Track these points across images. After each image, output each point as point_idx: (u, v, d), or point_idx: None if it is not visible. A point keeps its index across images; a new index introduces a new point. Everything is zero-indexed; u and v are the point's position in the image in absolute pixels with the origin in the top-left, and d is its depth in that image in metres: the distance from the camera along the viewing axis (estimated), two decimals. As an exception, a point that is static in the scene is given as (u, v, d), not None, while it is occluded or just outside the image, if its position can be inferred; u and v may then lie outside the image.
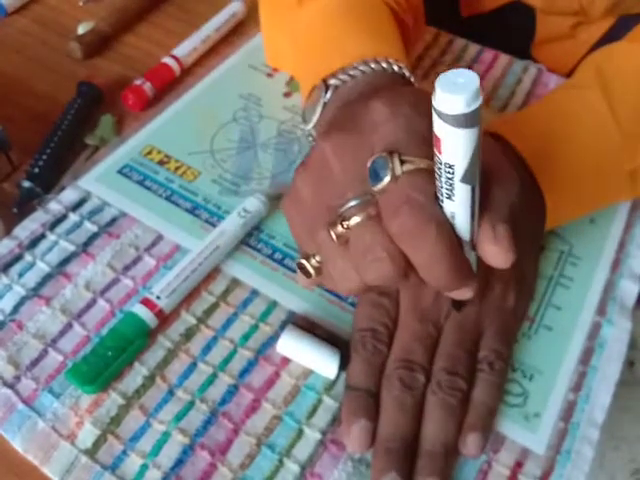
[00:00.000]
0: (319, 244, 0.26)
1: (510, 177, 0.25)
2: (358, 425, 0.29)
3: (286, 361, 0.32)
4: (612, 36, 0.48)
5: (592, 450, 0.30)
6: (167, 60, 0.46)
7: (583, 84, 0.38)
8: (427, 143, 0.23)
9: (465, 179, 0.21)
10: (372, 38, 0.36)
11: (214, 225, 0.36)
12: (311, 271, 0.27)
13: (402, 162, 0.23)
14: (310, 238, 0.26)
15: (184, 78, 0.46)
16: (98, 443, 0.29)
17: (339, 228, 0.24)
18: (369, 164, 0.24)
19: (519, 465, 0.30)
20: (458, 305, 0.31)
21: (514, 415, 0.31)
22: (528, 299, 0.35)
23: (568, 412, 0.31)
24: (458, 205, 0.22)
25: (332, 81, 0.34)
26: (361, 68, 0.33)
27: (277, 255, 0.36)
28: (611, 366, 0.33)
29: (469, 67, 0.48)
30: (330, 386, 0.31)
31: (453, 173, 0.21)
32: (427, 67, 0.48)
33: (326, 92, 0.34)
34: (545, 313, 0.35)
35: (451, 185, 0.21)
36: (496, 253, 0.23)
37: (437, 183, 0.22)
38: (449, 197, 0.22)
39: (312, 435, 0.30)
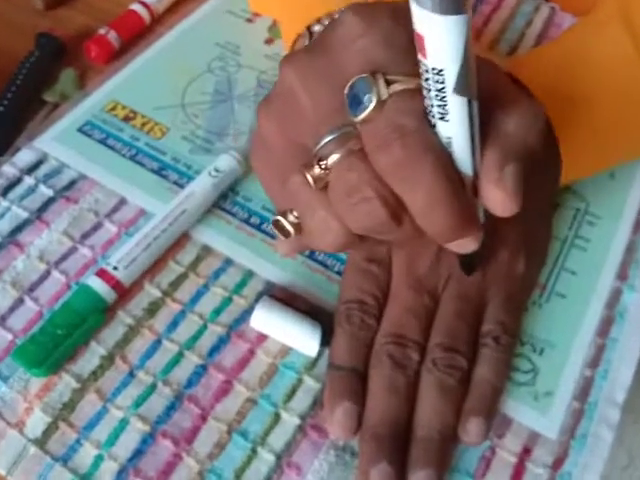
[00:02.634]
0: (293, 192, 0.21)
1: (531, 110, 0.21)
2: (342, 408, 0.25)
3: (262, 338, 0.28)
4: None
5: (612, 433, 0.27)
6: (135, 7, 0.41)
7: (604, 20, 0.33)
8: (412, 58, 0.19)
9: (459, 88, 0.17)
10: None
11: (184, 187, 0.32)
12: (289, 229, 0.23)
13: (387, 83, 0.19)
14: (283, 187, 0.22)
15: (155, 27, 0.42)
16: (49, 432, 0.26)
17: (316, 170, 0.20)
18: (347, 89, 0.19)
19: (527, 451, 0.26)
20: (468, 266, 0.27)
21: (522, 394, 0.27)
22: (539, 264, 0.31)
23: (584, 390, 0.28)
24: (454, 126, 0.18)
25: (317, 27, 0.29)
26: None
27: (254, 219, 0.32)
28: (633, 337, 0.29)
29: (473, 7, 0.43)
30: (311, 365, 0.28)
31: (444, 82, 0.17)
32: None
33: (310, 40, 0.30)
34: (558, 279, 0.31)
35: (443, 99, 0.17)
36: (497, 198, 0.19)
37: (427, 102, 0.18)
38: (442, 117, 0.18)
39: (290, 420, 0.26)
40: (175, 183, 0.33)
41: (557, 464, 0.26)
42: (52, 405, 0.26)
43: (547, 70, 0.32)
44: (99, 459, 0.25)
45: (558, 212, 0.33)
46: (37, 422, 0.26)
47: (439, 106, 0.18)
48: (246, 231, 0.32)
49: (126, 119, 0.36)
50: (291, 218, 0.22)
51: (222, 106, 0.36)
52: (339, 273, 0.30)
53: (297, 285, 0.30)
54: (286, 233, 0.23)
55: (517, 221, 0.29)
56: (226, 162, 0.32)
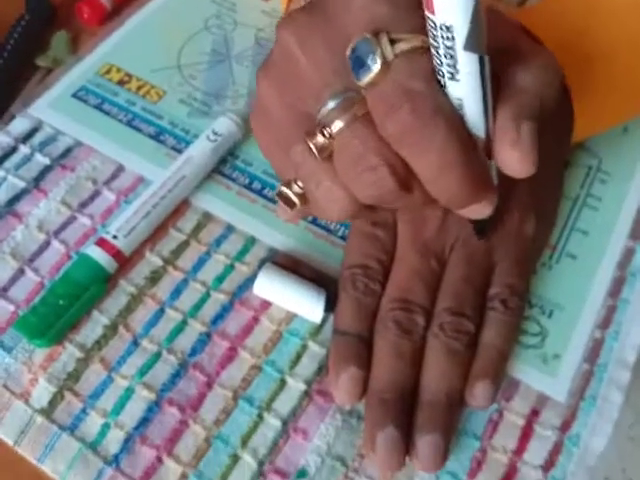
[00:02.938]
0: (297, 162, 0.21)
1: (549, 63, 0.20)
2: (347, 374, 0.25)
3: (266, 305, 0.28)
4: None
5: (622, 395, 0.26)
6: (127, -36, 0.39)
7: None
8: (416, 15, 0.17)
9: (469, 45, 0.16)
10: None
11: (182, 152, 0.32)
12: (294, 199, 0.22)
13: (392, 42, 0.18)
14: (286, 157, 0.21)
15: (148, -15, 0.40)
16: (54, 401, 0.26)
17: (319, 138, 0.19)
18: (349, 51, 0.18)
19: (535, 414, 0.26)
20: (481, 230, 0.26)
21: (530, 357, 0.27)
22: (549, 225, 0.30)
23: (594, 352, 0.27)
24: (465, 86, 0.17)
25: None
26: None
27: (255, 185, 0.31)
28: (645, 298, 0.29)
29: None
30: (316, 331, 0.27)
31: (453, 39, 0.16)
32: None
33: None
34: (569, 239, 0.30)
35: (452, 57, 0.16)
36: (513, 159, 0.18)
37: (435, 61, 0.17)
38: (452, 77, 0.17)
39: (296, 386, 0.26)
40: (173, 148, 0.32)
41: (565, 426, 0.25)
42: (57, 375, 0.26)
43: (559, 21, 0.30)
44: (106, 427, 0.25)
45: (570, 170, 0.32)
46: (42, 392, 0.26)
47: (449, 65, 0.17)
48: (247, 197, 0.31)
49: (121, 83, 0.35)
50: (296, 188, 0.22)
51: (220, 66, 0.35)
52: (343, 238, 0.30)
53: (300, 251, 0.29)
54: (291, 204, 0.22)
55: (527, 181, 0.28)
56: (224, 125, 0.31)
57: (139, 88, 0.34)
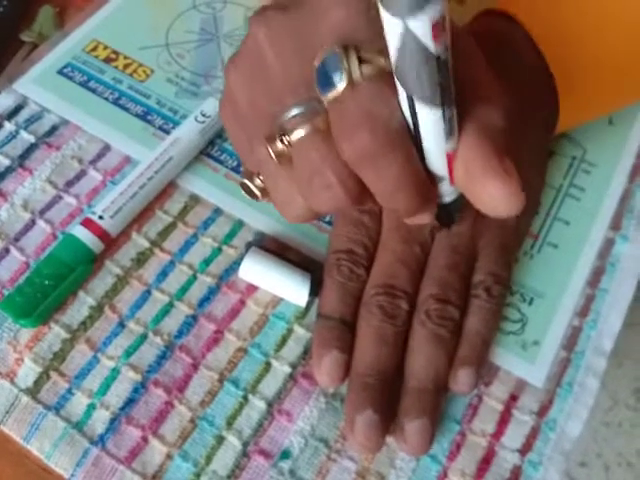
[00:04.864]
0: (259, 161, 0.21)
1: (495, 110, 0.20)
2: (329, 357, 0.25)
3: (252, 288, 0.28)
4: None
5: (598, 381, 0.27)
6: (114, -63, 0.38)
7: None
8: None
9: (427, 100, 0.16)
10: None
11: (169, 133, 0.31)
12: (257, 192, 0.22)
13: (361, 61, 0.18)
14: (250, 150, 0.22)
15: (136, -41, 0.39)
16: (40, 381, 0.26)
17: (278, 145, 0.19)
18: (317, 62, 0.18)
19: (514, 399, 0.26)
20: (448, 221, 0.26)
21: (510, 343, 0.27)
22: (532, 213, 0.31)
23: (572, 340, 0.28)
24: (425, 132, 0.18)
25: None
26: None
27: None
28: (623, 287, 0.29)
29: None
30: (302, 315, 0.28)
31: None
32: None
33: None
34: (551, 229, 0.30)
35: (412, 107, 0.17)
36: (506, 196, 0.19)
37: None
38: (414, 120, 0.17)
39: (281, 369, 0.26)
40: (160, 128, 0.32)
41: (543, 411, 0.26)
42: (42, 355, 0.26)
43: (547, 7, 0.30)
44: (91, 408, 0.25)
45: (553, 160, 0.32)
46: (28, 372, 0.26)
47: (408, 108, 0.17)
48: (235, 180, 0.31)
49: (108, 60, 0.34)
50: (258, 182, 0.22)
51: (208, 46, 0.35)
52: (329, 223, 0.30)
53: (287, 235, 0.30)
54: (253, 196, 0.23)
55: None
56: (213, 106, 0.31)
57: (126, 66, 0.34)
